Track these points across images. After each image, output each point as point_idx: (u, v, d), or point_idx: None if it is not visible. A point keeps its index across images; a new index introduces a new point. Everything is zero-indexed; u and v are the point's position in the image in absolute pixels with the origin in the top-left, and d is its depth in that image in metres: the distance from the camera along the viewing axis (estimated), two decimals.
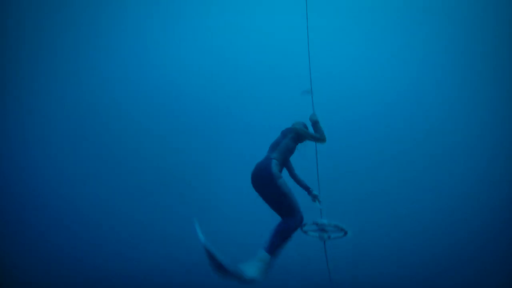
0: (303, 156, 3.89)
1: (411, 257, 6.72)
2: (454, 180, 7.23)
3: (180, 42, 8.01)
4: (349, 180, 7.32)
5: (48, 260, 6.61)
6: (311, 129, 3.94)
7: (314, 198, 4.00)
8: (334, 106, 7.55)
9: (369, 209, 7.14)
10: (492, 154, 7.21)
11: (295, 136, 3.74)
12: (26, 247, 6.70)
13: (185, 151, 7.63)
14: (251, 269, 2.90)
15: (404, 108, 7.73)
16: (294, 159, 3.89)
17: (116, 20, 7.84)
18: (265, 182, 3.31)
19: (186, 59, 7.93)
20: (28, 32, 7.36)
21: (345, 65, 7.97)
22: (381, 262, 6.70)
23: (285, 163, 3.63)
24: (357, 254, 6.72)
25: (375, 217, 7.08)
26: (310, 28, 4.39)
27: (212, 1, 8.08)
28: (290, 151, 3.68)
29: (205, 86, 7.87)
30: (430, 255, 6.75)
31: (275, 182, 3.26)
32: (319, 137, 3.79)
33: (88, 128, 7.46)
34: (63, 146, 7.35)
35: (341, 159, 7.45)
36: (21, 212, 6.87)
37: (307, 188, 4.04)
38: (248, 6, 8.10)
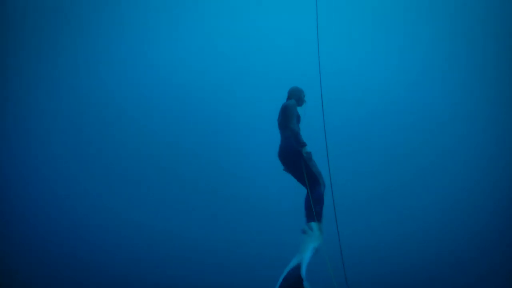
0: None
1: (415, 256, 6.74)
2: (458, 180, 7.26)
3: (181, 43, 8.04)
4: (351, 180, 7.34)
5: (47, 260, 6.59)
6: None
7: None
8: (336, 106, 7.58)
9: (371, 209, 7.18)
10: (498, 154, 7.25)
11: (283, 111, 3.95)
12: (25, 248, 6.67)
13: (184, 151, 7.66)
14: (315, 241, 3.44)
15: (408, 108, 7.75)
16: None
17: (115, 21, 7.85)
18: (292, 158, 3.74)
19: (187, 59, 7.97)
20: (27, 33, 7.36)
21: (349, 65, 7.99)
22: (383, 262, 6.72)
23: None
24: (359, 254, 6.74)
25: (378, 217, 7.11)
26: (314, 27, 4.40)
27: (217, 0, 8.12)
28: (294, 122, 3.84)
29: (205, 86, 7.92)
30: (434, 255, 6.78)
31: (298, 155, 3.68)
32: (292, 127, 3.77)
33: (87, 129, 7.48)
34: (62, 147, 7.35)
35: (342, 159, 7.46)
36: (21, 213, 6.86)
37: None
38: (252, 6, 8.13)
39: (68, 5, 7.65)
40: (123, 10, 7.89)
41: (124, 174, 7.44)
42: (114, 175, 7.38)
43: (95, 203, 7.16)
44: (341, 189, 6.80)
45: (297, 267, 3.24)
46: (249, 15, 8.19)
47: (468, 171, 7.23)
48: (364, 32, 8.09)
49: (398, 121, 7.68)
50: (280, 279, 3.24)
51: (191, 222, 7.17)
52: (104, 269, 6.64)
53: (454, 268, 6.52)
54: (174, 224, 7.15)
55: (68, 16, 7.64)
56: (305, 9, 4.49)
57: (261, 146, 6.36)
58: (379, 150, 7.58)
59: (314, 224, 3.55)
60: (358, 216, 7.01)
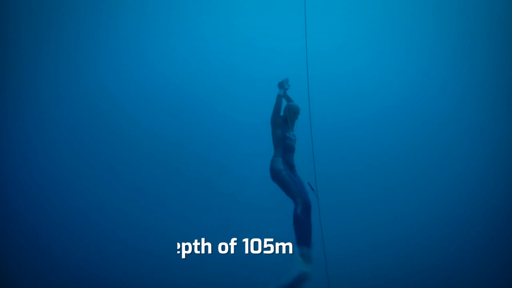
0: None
1: (412, 259, 6.72)
2: (456, 181, 7.23)
3: (180, 42, 8.08)
4: (350, 181, 7.33)
5: (47, 261, 6.61)
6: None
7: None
8: (334, 107, 7.60)
9: (369, 210, 7.16)
10: (497, 157, 7.20)
11: (272, 126, 4.16)
12: (26, 248, 6.69)
13: (184, 151, 7.68)
14: (296, 267, 3.33)
15: (406, 109, 7.74)
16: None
17: (112, 20, 7.89)
18: (273, 177, 3.95)
19: (185, 58, 8.00)
20: (27, 32, 7.41)
21: (345, 66, 8.01)
22: (380, 263, 6.70)
23: (284, 155, 4.03)
24: (355, 255, 6.74)
25: (375, 219, 7.11)
26: (310, 27, 4.41)
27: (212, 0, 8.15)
28: (277, 142, 4.08)
29: (203, 85, 7.93)
30: (431, 256, 6.75)
31: (278, 176, 3.88)
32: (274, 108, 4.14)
33: (87, 128, 7.50)
34: (63, 146, 7.38)
35: (341, 160, 7.47)
36: (20, 213, 6.88)
37: None
38: (247, 5, 8.15)
39: (68, 5, 7.72)
40: (120, 11, 7.95)
41: (123, 173, 7.47)
42: (114, 174, 7.41)
43: (95, 203, 7.18)
44: (341, 191, 6.83)
45: None
46: (248, 15, 8.22)
47: (469, 173, 7.22)
48: (363, 32, 8.09)
49: (396, 123, 7.69)
50: None
51: (189, 222, 7.19)
52: (104, 268, 6.66)
53: (451, 272, 6.51)
54: (173, 224, 7.17)
55: (68, 16, 7.70)
56: (306, 10, 4.50)
57: (258, 145, 6.35)
58: (374, 151, 7.58)
59: (298, 249, 3.49)
60: (357, 218, 7.01)
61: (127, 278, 6.63)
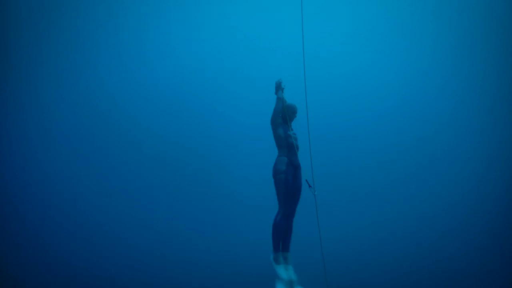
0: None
1: (412, 258, 6.72)
2: (456, 181, 7.23)
3: (180, 42, 8.08)
4: (349, 180, 7.34)
5: (47, 261, 6.60)
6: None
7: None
8: (333, 107, 7.61)
9: (368, 210, 7.17)
10: (497, 157, 7.20)
11: (273, 126, 4.09)
12: (27, 248, 6.69)
13: (184, 151, 7.67)
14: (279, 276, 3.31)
15: (406, 109, 7.75)
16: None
17: (112, 20, 7.89)
18: (273, 176, 3.86)
19: (185, 58, 8.01)
20: (27, 32, 7.41)
21: (345, 66, 8.02)
22: (379, 263, 6.70)
23: (289, 154, 3.93)
24: (354, 254, 6.75)
25: (374, 218, 7.11)
26: (311, 27, 4.41)
27: (211, 1, 8.15)
28: (280, 142, 3.99)
29: (203, 85, 7.94)
30: (431, 256, 6.75)
31: (276, 177, 3.81)
32: (276, 109, 4.12)
33: (87, 128, 7.50)
34: (63, 146, 7.37)
35: (340, 160, 7.48)
36: (20, 213, 6.88)
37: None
38: (247, 6, 8.16)
39: (68, 5, 7.73)
40: (120, 11, 7.95)
41: (123, 173, 7.47)
42: (114, 174, 7.41)
43: (95, 203, 7.18)
44: (340, 191, 6.82)
45: None
46: (248, 16, 8.23)
47: (465, 173, 7.22)
48: (362, 32, 8.09)
49: (394, 122, 7.69)
50: None
51: (191, 222, 7.19)
52: (104, 268, 6.66)
53: (451, 272, 6.50)
54: (174, 224, 7.17)
55: (68, 16, 7.70)
56: (304, 10, 4.50)
57: (258, 145, 6.35)
58: (373, 151, 7.59)
59: (273, 256, 3.55)
60: (355, 217, 7.01)
61: (127, 278, 6.62)
